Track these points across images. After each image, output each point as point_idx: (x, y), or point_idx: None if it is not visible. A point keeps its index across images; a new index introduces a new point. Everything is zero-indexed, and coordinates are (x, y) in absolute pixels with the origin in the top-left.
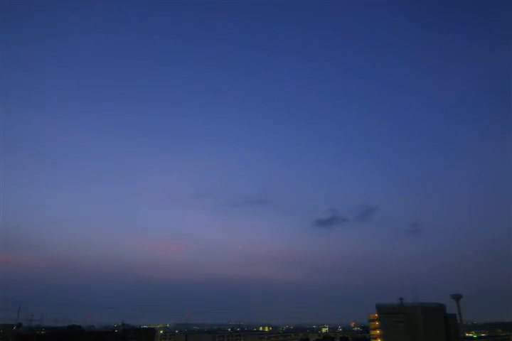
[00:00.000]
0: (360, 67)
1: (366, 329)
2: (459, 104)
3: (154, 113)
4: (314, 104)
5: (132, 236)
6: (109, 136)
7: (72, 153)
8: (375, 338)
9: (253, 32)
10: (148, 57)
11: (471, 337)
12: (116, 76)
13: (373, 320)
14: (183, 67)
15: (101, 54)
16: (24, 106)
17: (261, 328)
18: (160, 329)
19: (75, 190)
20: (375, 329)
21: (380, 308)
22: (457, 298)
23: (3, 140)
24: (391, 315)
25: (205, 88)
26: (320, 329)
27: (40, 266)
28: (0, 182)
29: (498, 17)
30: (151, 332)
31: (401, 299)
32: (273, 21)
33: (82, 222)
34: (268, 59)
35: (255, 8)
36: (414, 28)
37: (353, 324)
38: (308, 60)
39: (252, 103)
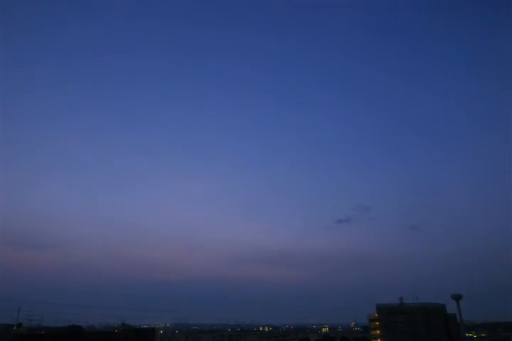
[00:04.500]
0: (366, 62)
1: (366, 329)
2: (461, 103)
3: (158, 108)
4: (322, 102)
5: (133, 237)
6: (119, 137)
7: (83, 157)
8: (375, 338)
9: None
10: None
11: (471, 337)
12: (124, 73)
13: (373, 320)
14: (205, 64)
15: (114, 49)
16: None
17: (261, 328)
18: (160, 329)
19: (83, 193)
20: (375, 329)
21: (380, 308)
22: (457, 298)
23: (15, 144)
24: (391, 315)
25: (205, 80)
26: (320, 329)
27: (41, 266)
28: (12, 185)
29: None
30: (151, 332)
31: (401, 299)
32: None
33: (83, 222)
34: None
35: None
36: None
37: (353, 324)
38: (318, 54)
39: (260, 100)
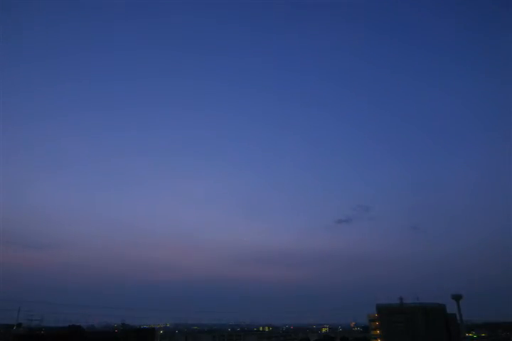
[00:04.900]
0: (369, 61)
1: (366, 329)
2: (464, 101)
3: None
4: (324, 101)
5: (133, 237)
6: (118, 135)
7: (82, 155)
8: (375, 338)
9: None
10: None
11: (471, 337)
12: (125, 71)
13: (373, 320)
14: (208, 60)
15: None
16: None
17: (261, 328)
18: (160, 329)
19: (82, 192)
20: (375, 329)
21: (380, 308)
22: (457, 298)
23: (13, 142)
24: (391, 315)
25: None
26: (320, 329)
27: (41, 266)
28: (10, 184)
29: None
30: (151, 332)
31: (401, 299)
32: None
33: (82, 222)
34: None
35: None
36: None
37: (353, 324)
38: (322, 52)
39: (261, 98)
